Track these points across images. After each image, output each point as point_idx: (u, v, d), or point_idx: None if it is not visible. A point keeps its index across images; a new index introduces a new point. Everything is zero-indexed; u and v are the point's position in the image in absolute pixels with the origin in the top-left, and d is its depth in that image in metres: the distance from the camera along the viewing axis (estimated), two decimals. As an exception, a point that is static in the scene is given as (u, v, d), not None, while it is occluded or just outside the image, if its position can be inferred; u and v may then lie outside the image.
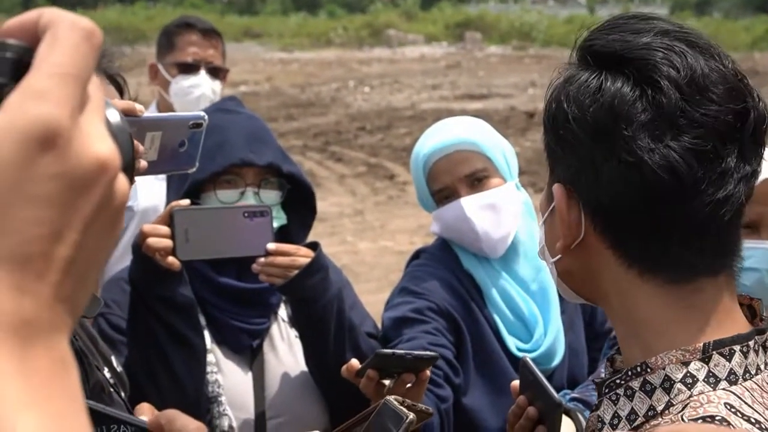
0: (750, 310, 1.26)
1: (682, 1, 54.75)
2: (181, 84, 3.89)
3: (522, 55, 32.58)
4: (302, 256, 2.30)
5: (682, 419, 1.11)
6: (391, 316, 2.47)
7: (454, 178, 2.49)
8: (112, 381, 1.76)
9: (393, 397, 1.67)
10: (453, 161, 2.49)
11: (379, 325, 2.55)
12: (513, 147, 2.66)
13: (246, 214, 2.26)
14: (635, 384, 1.17)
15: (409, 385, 2.09)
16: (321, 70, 28.26)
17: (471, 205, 2.47)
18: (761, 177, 2.19)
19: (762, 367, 1.17)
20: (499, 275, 2.54)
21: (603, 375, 1.31)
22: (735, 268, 1.21)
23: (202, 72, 3.91)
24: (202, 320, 2.38)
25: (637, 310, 1.19)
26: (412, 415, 1.58)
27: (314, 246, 2.35)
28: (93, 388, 1.65)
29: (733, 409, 1.10)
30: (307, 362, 2.39)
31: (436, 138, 2.52)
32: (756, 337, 1.18)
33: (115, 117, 0.70)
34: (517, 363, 2.11)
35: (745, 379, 1.14)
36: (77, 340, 1.67)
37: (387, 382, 2.09)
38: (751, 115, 1.15)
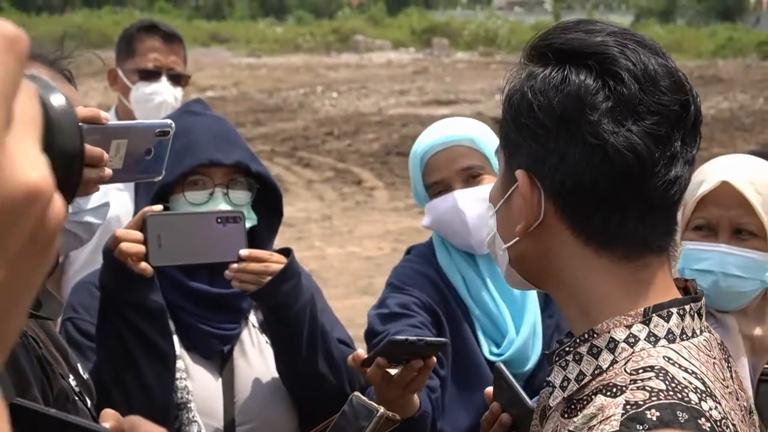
0: (686, 292, 1.38)
1: (646, 8, 55.18)
2: (142, 91, 3.81)
3: (489, 61, 32.73)
4: (275, 262, 2.29)
5: (625, 371, 1.22)
6: (377, 312, 2.48)
7: (450, 172, 2.50)
8: (77, 389, 1.74)
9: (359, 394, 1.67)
10: (450, 156, 2.50)
11: (362, 326, 2.56)
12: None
13: (219, 220, 2.25)
14: (583, 349, 1.29)
15: (415, 373, 2.10)
16: (289, 75, 28.22)
17: (465, 198, 2.48)
18: (718, 179, 2.23)
19: (697, 332, 1.30)
20: (477, 277, 2.55)
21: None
22: (672, 248, 1.35)
23: (164, 79, 3.83)
24: (171, 325, 2.36)
25: (589, 286, 1.31)
26: (382, 409, 1.58)
27: (287, 252, 2.34)
28: (57, 397, 1.63)
29: (671, 361, 1.23)
30: (279, 368, 2.38)
31: (436, 133, 2.55)
32: (692, 304, 1.31)
33: (59, 101, 0.65)
34: (491, 364, 2.11)
35: (682, 339, 1.27)
36: (41, 348, 1.65)
37: (393, 371, 2.09)
38: (692, 106, 1.29)
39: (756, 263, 2.21)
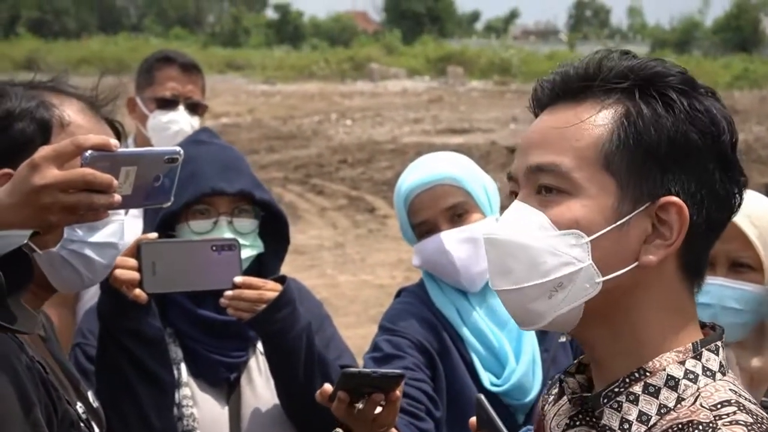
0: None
1: (662, 39, 55.31)
2: (159, 119, 3.83)
3: (503, 90, 32.84)
4: (270, 290, 2.29)
5: (702, 407, 1.23)
6: (370, 356, 2.49)
7: (435, 212, 2.51)
8: (84, 416, 1.73)
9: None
10: (434, 195, 2.51)
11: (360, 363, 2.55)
12: (494, 182, 2.66)
13: (214, 248, 2.25)
14: (636, 389, 1.28)
15: (379, 408, 2.09)
16: (303, 102, 28.37)
17: (450, 239, 2.49)
18: None
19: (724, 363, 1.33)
20: (472, 311, 2.56)
21: (552, 398, 1.44)
22: None
23: (181, 108, 3.86)
24: (179, 353, 2.36)
25: (657, 320, 1.30)
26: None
27: (282, 280, 2.34)
28: (61, 421, 1.64)
29: (736, 393, 1.26)
30: (279, 395, 2.37)
31: (418, 173, 2.55)
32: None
33: None
34: (493, 398, 2.10)
35: (725, 372, 1.30)
36: (47, 373, 1.65)
37: (358, 405, 2.08)
38: None
39: (753, 296, 2.22)
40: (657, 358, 1.28)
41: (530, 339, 2.54)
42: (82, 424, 1.70)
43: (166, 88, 3.87)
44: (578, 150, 1.30)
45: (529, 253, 1.30)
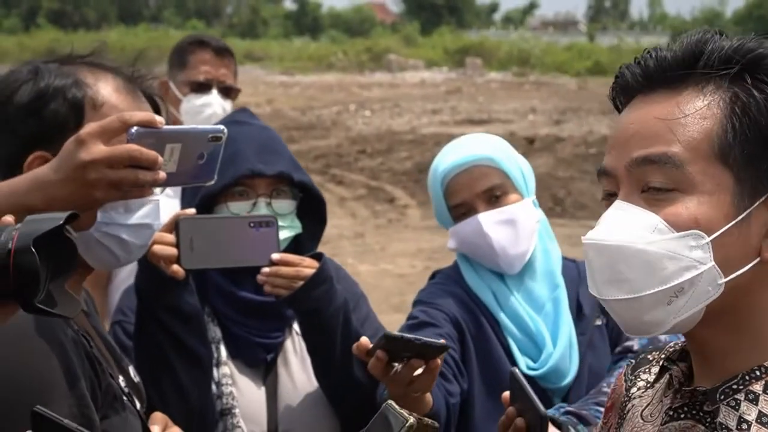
0: None
1: (682, 29, 54.61)
2: (193, 102, 3.84)
3: (522, 82, 32.72)
4: (307, 266, 2.29)
5: None
6: (406, 324, 2.47)
7: (472, 194, 2.49)
8: (126, 390, 1.77)
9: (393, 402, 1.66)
10: (471, 177, 2.49)
11: None
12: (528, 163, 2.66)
13: (252, 224, 2.25)
14: (757, 387, 1.22)
15: (418, 372, 2.04)
16: (322, 93, 28.36)
17: (489, 220, 2.47)
18: None
19: None
20: (510, 294, 2.54)
21: (627, 388, 1.37)
22: None
23: (214, 91, 3.87)
24: (218, 332, 2.38)
25: None
26: (412, 418, 1.58)
27: (319, 257, 2.35)
28: (105, 393, 1.66)
29: None
30: (316, 373, 2.38)
31: (455, 154, 2.53)
32: None
33: None
34: (530, 382, 2.09)
35: None
36: (91, 347, 1.68)
37: (396, 366, 2.03)
38: None
39: None
40: None
41: (567, 322, 2.53)
42: (124, 398, 1.73)
43: (200, 72, 3.88)
44: (689, 142, 1.21)
45: (645, 259, 1.20)
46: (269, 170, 2.37)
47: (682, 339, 1.43)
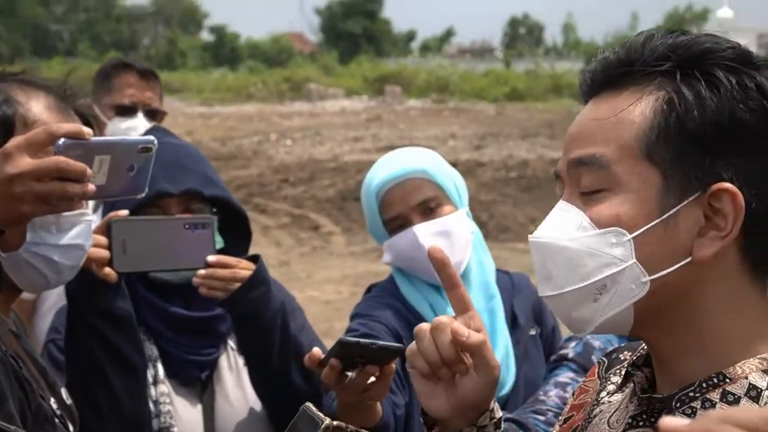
0: None
1: (595, 54, 55.72)
2: (118, 126, 3.79)
3: (441, 108, 32.98)
4: (244, 268, 2.26)
5: None
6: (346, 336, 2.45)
7: (407, 207, 2.50)
8: (58, 412, 1.72)
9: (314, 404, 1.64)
10: (405, 190, 2.50)
11: None
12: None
13: (187, 226, 2.22)
14: (714, 395, 1.17)
15: (372, 379, 2.01)
16: (242, 123, 28.22)
17: (424, 232, 2.48)
18: None
19: None
20: (446, 305, 2.53)
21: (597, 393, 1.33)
22: None
23: (140, 114, 3.83)
24: (155, 350, 2.34)
25: (731, 321, 1.19)
26: (328, 420, 1.55)
27: (255, 259, 2.32)
28: (35, 415, 1.62)
29: None
30: (252, 380, 2.35)
31: (388, 168, 2.54)
32: None
33: None
34: None
35: None
36: (20, 368, 1.63)
37: (350, 374, 2.01)
38: None
39: None
40: (739, 365, 1.17)
41: (503, 333, 2.54)
42: (56, 420, 1.69)
43: (125, 95, 3.83)
44: (618, 142, 1.20)
45: (566, 256, 1.21)
46: (176, 189, 2.32)
47: (623, 344, 1.41)
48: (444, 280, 1.38)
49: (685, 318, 1.20)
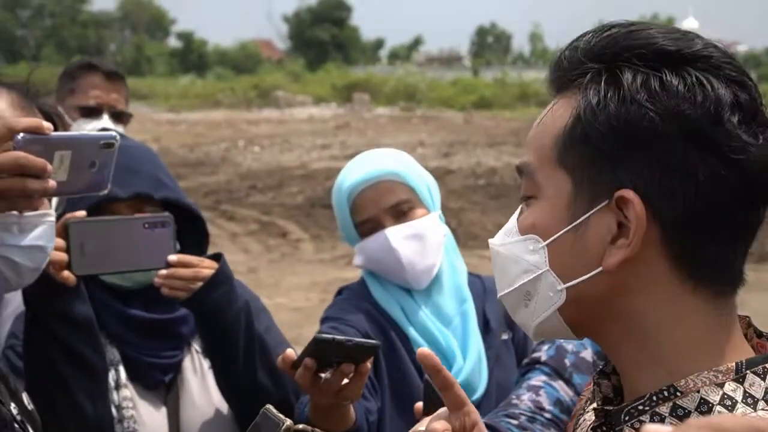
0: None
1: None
2: (83, 128, 3.69)
3: (409, 116, 33.03)
4: (206, 267, 2.22)
5: None
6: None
7: (379, 209, 2.46)
8: (19, 417, 1.67)
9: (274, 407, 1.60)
10: (377, 192, 2.46)
11: None
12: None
13: (146, 225, 2.17)
14: (664, 409, 1.12)
15: (346, 380, 1.97)
16: (209, 130, 28.12)
17: (396, 235, 2.45)
18: None
19: None
20: (418, 309, 2.51)
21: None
22: None
23: (105, 116, 3.77)
24: (116, 354, 2.29)
25: (673, 332, 1.14)
26: (288, 422, 1.53)
27: (218, 257, 2.27)
28: None
29: None
30: (218, 382, 2.30)
31: (360, 170, 2.49)
32: None
33: None
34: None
35: None
36: None
37: (324, 374, 1.96)
38: None
39: None
40: (692, 377, 1.11)
41: (476, 337, 2.51)
42: (15, 425, 1.64)
43: (90, 97, 3.77)
44: (541, 149, 1.18)
45: (498, 261, 1.23)
46: (124, 193, 2.25)
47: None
48: (438, 383, 1.37)
49: (624, 328, 1.15)
